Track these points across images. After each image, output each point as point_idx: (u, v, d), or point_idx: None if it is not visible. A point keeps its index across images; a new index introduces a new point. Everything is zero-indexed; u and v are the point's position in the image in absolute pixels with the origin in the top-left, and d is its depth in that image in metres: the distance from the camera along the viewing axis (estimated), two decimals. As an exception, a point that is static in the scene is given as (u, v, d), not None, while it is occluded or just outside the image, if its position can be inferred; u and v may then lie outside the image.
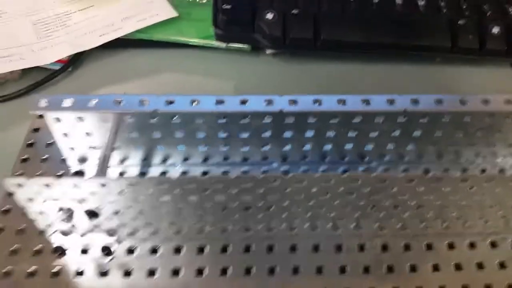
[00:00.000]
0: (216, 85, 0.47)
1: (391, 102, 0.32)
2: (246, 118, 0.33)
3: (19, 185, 0.27)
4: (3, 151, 0.40)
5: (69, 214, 0.30)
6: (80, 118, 0.32)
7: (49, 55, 0.45)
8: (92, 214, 0.30)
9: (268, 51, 0.49)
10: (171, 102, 0.32)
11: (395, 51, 0.47)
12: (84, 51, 0.47)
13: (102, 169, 0.32)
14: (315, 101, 0.32)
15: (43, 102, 0.31)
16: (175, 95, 0.32)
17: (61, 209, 0.29)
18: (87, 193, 0.28)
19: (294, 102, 0.32)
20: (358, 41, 0.46)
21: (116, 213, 0.30)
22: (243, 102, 0.32)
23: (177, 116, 0.33)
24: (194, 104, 0.32)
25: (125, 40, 0.48)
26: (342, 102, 0.32)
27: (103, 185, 0.28)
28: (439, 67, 0.50)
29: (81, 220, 0.30)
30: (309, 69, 0.49)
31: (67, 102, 0.31)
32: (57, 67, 0.46)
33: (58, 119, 0.32)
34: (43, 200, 0.29)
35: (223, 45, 0.48)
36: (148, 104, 0.32)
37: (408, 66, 0.50)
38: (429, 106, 0.33)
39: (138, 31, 0.47)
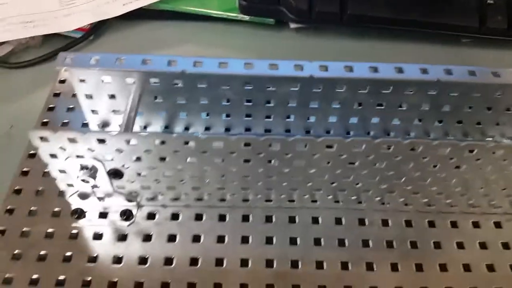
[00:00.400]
0: (235, 56, 0.47)
1: (424, 71, 0.32)
2: (272, 85, 0.33)
3: (44, 139, 0.27)
4: (23, 117, 0.40)
5: (92, 173, 0.29)
6: (105, 79, 0.32)
7: (71, 22, 0.45)
8: (116, 174, 0.29)
9: (292, 26, 0.48)
10: (199, 63, 0.31)
11: (421, 29, 0.46)
12: (106, 20, 0.47)
13: (127, 130, 0.31)
14: (347, 68, 0.31)
15: (69, 59, 0.31)
16: (204, 57, 0.31)
17: (84, 168, 0.29)
18: (112, 150, 0.28)
19: (324, 68, 0.31)
20: (385, 16, 0.45)
21: (139, 174, 0.30)
22: (273, 66, 0.31)
23: (203, 81, 0.32)
24: (222, 66, 0.31)
25: (148, 10, 0.47)
26: (374, 69, 0.31)
27: (129, 141, 0.27)
28: (465, 48, 0.49)
29: (103, 180, 0.30)
30: (333, 45, 0.48)
31: (93, 60, 0.31)
32: (78, 35, 0.46)
33: (83, 80, 0.32)
34: (65, 157, 0.28)
35: (246, 17, 0.47)
36: (176, 64, 0.31)
37: (434, 46, 0.48)
38: (462, 77, 0.32)
39: (161, 1, 0.47)
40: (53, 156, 0.28)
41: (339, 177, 0.30)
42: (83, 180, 0.29)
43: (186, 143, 0.27)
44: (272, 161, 0.29)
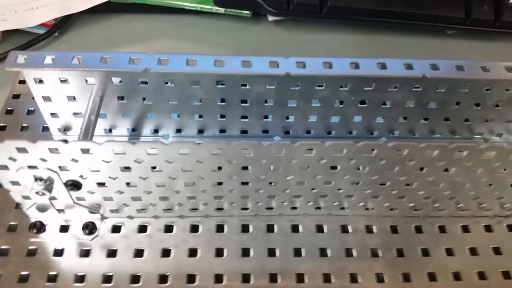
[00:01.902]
0: (214, 53, 0.43)
1: (408, 66, 0.29)
2: (247, 83, 0.30)
3: (-11, 149, 0.24)
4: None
5: (47, 184, 0.26)
6: (63, 79, 0.29)
7: (34, 17, 0.41)
8: (74, 185, 0.27)
9: (270, 18, 0.45)
10: (164, 61, 0.28)
11: (404, 21, 0.44)
12: (72, 15, 0.43)
13: (86, 135, 0.28)
14: (326, 64, 0.29)
15: (21, 58, 0.28)
16: (169, 54, 0.28)
17: (38, 179, 0.26)
18: (67, 160, 0.25)
19: (302, 64, 0.29)
20: (366, 8, 0.43)
21: (101, 184, 0.27)
22: (246, 63, 0.29)
23: (171, 79, 0.29)
24: (190, 64, 0.28)
25: (117, 3, 0.44)
26: (355, 65, 0.29)
27: (87, 150, 0.24)
28: (450, 40, 0.47)
29: (61, 192, 0.27)
30: (313, 39, 0.45)
31: (48, 59, 0.28)
32: (42, 31, 0.43)
33: (40, 81, 0.29)
34: (17, 168, 0.25)
35: (221, 10, 0.44)
36: (139, 62, 0.28)
37: (417, 39, 0.46)
38: (449, 72, 0.29)
39: (130, -7, 0.44)
40: (2, 167, 0.25)
41: (320, 183, 0.28)
42: (37, 193, 0.26)
43: (149, 150, 0.25)
44: (248, 168, 0.27)
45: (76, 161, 0.25)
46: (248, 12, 0.45)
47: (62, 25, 0.44)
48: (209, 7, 0.44)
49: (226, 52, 0.44)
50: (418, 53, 0.45)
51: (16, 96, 0.37)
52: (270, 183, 0.28)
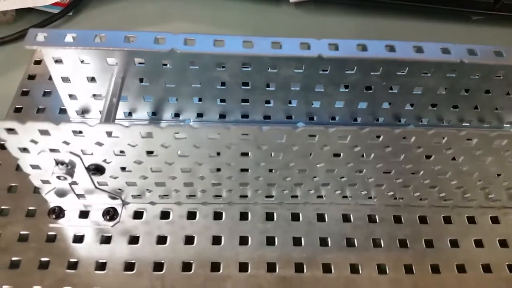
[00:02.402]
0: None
1: (445, 50, 0.28)
2: (274, 66, 0.29)
3: (11, 131, 0.23)
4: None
5: (68, 169, 0.25)
6: (83, 60, 0.28)
7: (47, -5, 0.40)
8: (96, 169, 0.26)
9: (292, 0, 0.44)
10: (191, 41, 0.27)
11: (430, 5, 0.43)
12: (87, -6, 0.42)
13: (108, 120, 0.27)
14: (359, 46, 0.28)
15: (41, 36, 0.27)
16: (195, 34, 0.27)
17: (59, 163, 0.25)
18: (91, 144, 0.24)
19: (334, 46, 0.28)
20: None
21: (125, 169, 0.26)
22: (276, 45, 0.27)
23: (195, 61, 0.28)
24: (217, 45, 0.27)
25: (133, -18, 0.43)
26: (390, 48, 0.28)
27: (111, 133, 0.23)
28: (476, 26, 0.45)
29: (83, 177, 0.26)
30: (334, 22, 0.44)
31: (69, 37, 0.27)
32: (56, 11, 0.41)
33: (58, 61, 0.28)
34: (38, 151, 0.24)
35: (241, -8, 0.43)
36: (164, 42, 0.27)
37: (442, 24, 0.45)
38: (487, 58, 0.28)
39: (147, -28, 0.42)
40: (23, 150, 0.25)
41: (351, 171, 0.27)
42: (58, 177, 0.25)
43: (176, 134, 0.23)
44: (274, 154, 0.26)
45: (100, 144, 0.24)
46: (269, -7, 0.43)
47: (77, 4, 0.43)
48: (229, -13, 0.43)
49: (246, 33, 0.43)
50: (442, 40, 0.44)
51: (32, 77, 0.36)
52: (298, 170, 0.27)
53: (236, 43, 0.27)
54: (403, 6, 0.43)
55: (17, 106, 0.34)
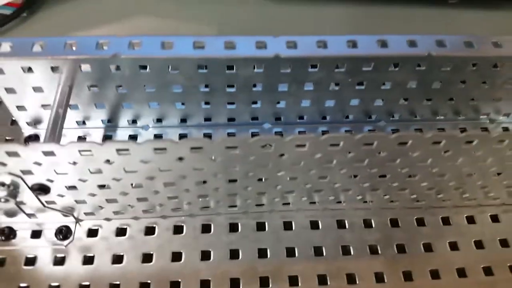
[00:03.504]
0: (199, 31, 0.40)
1: (411, 43, 0.26)
2: (232, 67, 0.27)
3: None
4: None
5: (11, 190, 0.23)
6: (26, 69, 0.26)
7: (-4, -5, 0.38)
8: (41, 189, 0.24)
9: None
10: (137, 44, 0.25)
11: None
12: (40, -8, 0.40)
13: (54, 132, 0.25)
14: (319, 43, 0.26)
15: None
16: (142, 36, 0.25)
17: (0, 185, 0.23)
18: (29, 164, 0.22)
19: (293, 44, 0.26)
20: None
21: (71, 187, 0.24)
22: (229, 46, 0.26)
23: (146, 66, 0.26)
24: (166, 47, 0.25)
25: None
26: (352, 43, 0.26)
27: (50, 153, 0.21)
28: (452, 9, 0.43)
29: (28, 197, 0.24)
30: (305, 11, 0.42)
31: (6, 47, 0.25)
32: (8, 12, 0.39)
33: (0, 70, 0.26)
34: (-27, 173, 0.23)
35: (204, -17, 0.41)
36: (107, 47, 0.25)
37: (417, 9, 0.43)
38: (457, 49, 0.26)
39: (102, -33, 0.40)
40: (-43, 172, 0.23)
41: (314, 178, 0.25)
42: (0, 199, 0.24)
43: (120, 151, 0.22)
44: (230, 164, 0.24)
45: (39, 164, 0.22)
46: (234, -16, 0.41)
47: (31, 4, 0.40)
48: (191, -21, 0.40)
49: (210, 27, 0.41)
50: (418, 25, 0.42)
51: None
52: (259, 179, 0.25)
53: (186, 45, 0.25)
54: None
55: (-36, 120, 0.32)
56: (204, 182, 0.25)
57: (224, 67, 0.27)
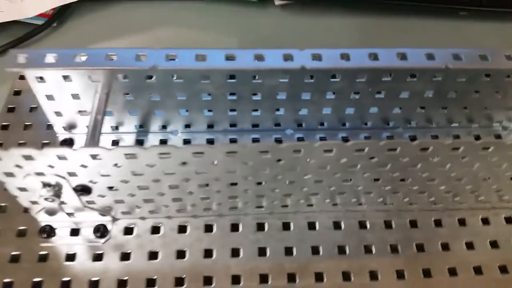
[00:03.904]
0: (219, 40, 0.42)
1: (429, 56, 0.28)
2: (259, 77, 0.29)
3: (-6, 157, 0.23)
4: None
5: (56, 190, 0.25)
6: (67, 77, 0.27)
7: (32, 7, 0.40)
8: (83, 190, 0.26)
9: (277, 2, 0.43)
10: (173, 57, 0.27)
11: (416, 3, 0.42)
12: (70, 4, 0.42)
13: (93, 137, 0.27)
14: (343, 55, 0.27)
15: (22, 58, 0.26)
16: (177, 49, 0.27)
17: (46, 185, 0.25)
18: (76, 167, 0.24)
19: (318, 57, 0.27)
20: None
21: (112, 188, 0.26)
22: (259, 57, 0.27)
23: (179, 75, 0.28)
24: (200, 59, 0.27)
25: (116, -10, 0.42)
26: (374, 56, 0.27)
27: (95, 156, 0.23)
28: (463, 22, 0.45)
29: (70, 197, 0.26)
30: (321, 22, 0.44)
31: (50, 58, 0.26)
32: (40, 22, 0.41)
33: (41, 78, 0.28)
34: (24, 175, 0.24)
35: (226, -5, 0.43)
36: (146, 59, 0.27)
37: (429, 21, 0.45)
38: (472, 62, 0.28)
39: (130, -20, 0.42)
40: (9, 174, 0.24)
41: (338, 181, 0.27)
42: (46, 199, 0.25)
43: (161, 154, 0.23)
44: (261, 168, 0.25)
45: (85, 166, 0.24)
46: (255, -4, 0.43)
47: (61, 15, 0.42)
48: (214, -8, 0.42)
49: (232, 37, 0.43)
50: (430, 36, 0.44)
51: (17, 93, 0.35)
52: (287, 182, 0.27)
53: (218, 57, 0.27)
54: (389, 5, 0.42)
55: (3, 124, 0.34)
56: (235, 184, 0.27)
57: (251, 77, 0.29)
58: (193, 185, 0.26)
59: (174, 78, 0.28)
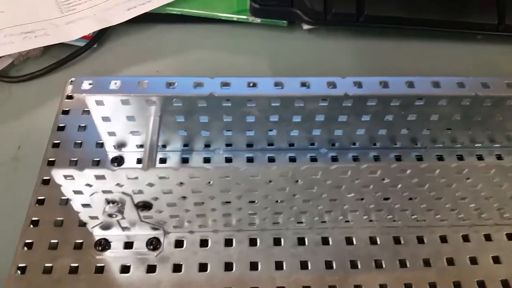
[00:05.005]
0: (249, 62, 0.45)
1: (460, 85, 0.30)
2: (302, 102, 0.31)
3: (69, 177, 0.25)
4: (31, 137, 0.38)
5: (119, 207, 0.27)
6: (125, 101, 0.30)
7: (75, 31, 0.42)
8: (144, 206, 0.28)
9: (305, 27, 0.46)
10: (227, 84, 0.29)
11: (438, 29, 0.45)
12: (110, 26, 0.44)
13: (151, 157, 0.29)
14: (381, 83, 0.30)
15: (86, 84, 0.29)
16: (231, 77, 0.29)
17: (110, 202, 0.27)
18: (143, 185, 0.26)
19: (358, 84, 0.30)
20: (401, 16, 0.43)
21: (170, 205, 0.28)
22: (304, 84, 0.30)
23: (229, 100, 0.30)
24: (251, 86, 0.29)
25: (153, 14, 0.45)
26: (410, 83, 0.30)
27: (163, 176, 0.25)
28: (480, 45, 0.47)
29: (131, 213, 0.28)
30: (346, 46, 0.46)
31: (113, 84, 0.29)
32: (81, 44, 0.43)
33: (100, 102, 0.30)
34: (91, 193, 0.26)
35: (257, 20, 0.45)
36: (202, 86, 0.29)
37: (449, 44, 0.47)
38: (499, 90, 0.30)
39: (167, 4, 0.44)
40: (77, 192, 0.26)
41: (379, 199, 0.29)
42: (110, 215, 0.27)
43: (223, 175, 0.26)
44: (308, 187, 0.28)
45: (152, 185, 0.26)
46: (284, 21, 0.45)
47: (101, 36, 0.44)
48: (245, 17, 0.45)
49: (262, 60, 0.45)
50: (450, 59, 0.46)
51: (66, 112, 0.37)
52: (330, 199, 0.29)
53: (267, 85, 0.29)
54: (413, 30, 0.45)
55: (54, 142, 0.36)
56: (282, 202, 0.29)
57: (294, 102, 0.31)
58: (244, 202, 0.29)
59: (224, 104, 0.30)
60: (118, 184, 0.26)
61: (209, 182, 0.26)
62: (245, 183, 0.27)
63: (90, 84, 0.29)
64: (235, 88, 0.29)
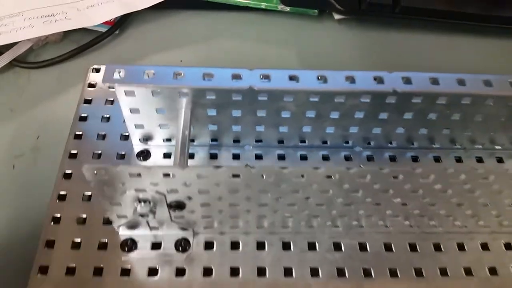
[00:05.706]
0: (277, 52, 0.43)
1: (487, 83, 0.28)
2: (343, 98, 0.29)
3: (101, 172, 0.23)
4: (50, 126, 0.36)
5: (151, 206, 0.26)
6: (157, 92, 0.28)
7: (97, 15, 0.40)
8: (177, 206, 0.26)
9: (337, 17, 0.44)
10: (267, 77, 0.27)
11: (477, 23, 0.43)
12: (133, 12, 0.42)
13: (183, 152, 0.27)
14: (431, 80, 0.28)
15: (118, 73, 0.27)
16: (271, 69, 0.27)
17: (142, 201, 0.25)
18: (179, 184, 0.24)
19: (406, 80, 0.28)
20: (440, 9, 0.41)
21: (205, 205, 0.26)
22: (349, 79, 0.28)
23: (266, 94, 0.28)
24: (293, 79, 0.27)
25: (179, 0, 0.42)
26: (460, 81, 0.28)
27: (202, 175, 0.23)
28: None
29: (163, 213, 0.26)
30: (378, 37, 0.44)
31: (147, 74, 0.27)
32: (103, 29, 0.41)
33: (131, 93, 0.28)
34: (123, 191, 0.25)
35: (287, 8, 0.43)
36: (241, 78, 0.27)
37: (488, 40, 0.45)
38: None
39: (193, -10, 0.42)
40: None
41: (425, 205, 0.27)
42: (141, 215, 0.26)
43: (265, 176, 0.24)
44: (354, 190, 0.26)
45: (188, 185, 0.24)
46: (315, 10, 0.43)
47: (123, 22, 0.42)
48: (275, 5, 0.43)
49: (290, 49, 0.43)
50: (489, 55, 0.44)
51: (88, 101, 0.36)
52: (374, 203, 0.27)
53: (310, 78, 0.27)
54: (451, 24, 0.43)
55: (76, 133, 0.34)
56: (321, 204, 0.27)
57: (335, 97, 0.29)
58: (282, 204, 0.27)
59: (260, 97, 0.29)
60: (152, 183, 0.24)
61: (249, 184, 0.24)
62: (287, 185, 0.25)
63: (120, 72, 0.27)
64: (275, 81, 0.27)
